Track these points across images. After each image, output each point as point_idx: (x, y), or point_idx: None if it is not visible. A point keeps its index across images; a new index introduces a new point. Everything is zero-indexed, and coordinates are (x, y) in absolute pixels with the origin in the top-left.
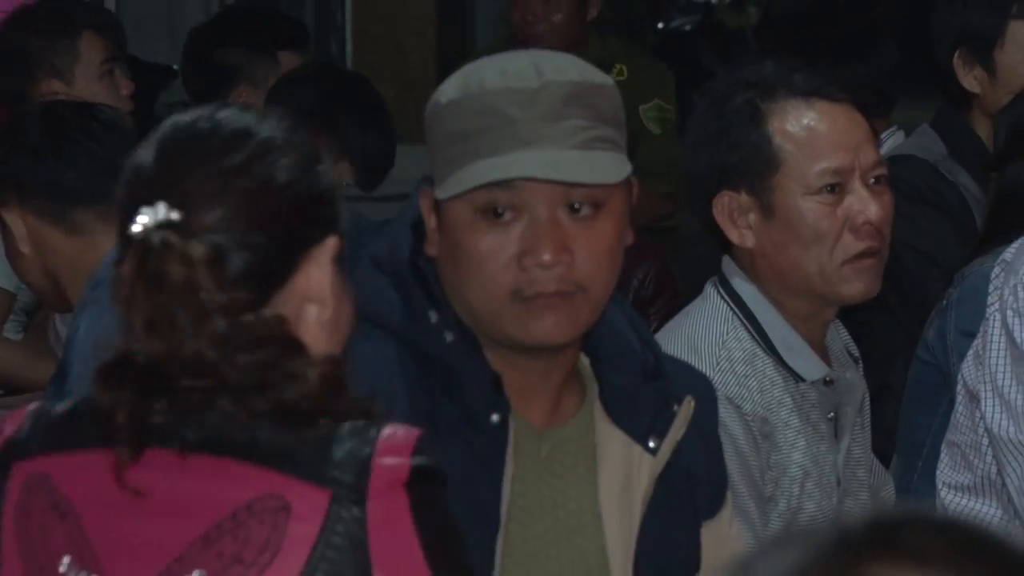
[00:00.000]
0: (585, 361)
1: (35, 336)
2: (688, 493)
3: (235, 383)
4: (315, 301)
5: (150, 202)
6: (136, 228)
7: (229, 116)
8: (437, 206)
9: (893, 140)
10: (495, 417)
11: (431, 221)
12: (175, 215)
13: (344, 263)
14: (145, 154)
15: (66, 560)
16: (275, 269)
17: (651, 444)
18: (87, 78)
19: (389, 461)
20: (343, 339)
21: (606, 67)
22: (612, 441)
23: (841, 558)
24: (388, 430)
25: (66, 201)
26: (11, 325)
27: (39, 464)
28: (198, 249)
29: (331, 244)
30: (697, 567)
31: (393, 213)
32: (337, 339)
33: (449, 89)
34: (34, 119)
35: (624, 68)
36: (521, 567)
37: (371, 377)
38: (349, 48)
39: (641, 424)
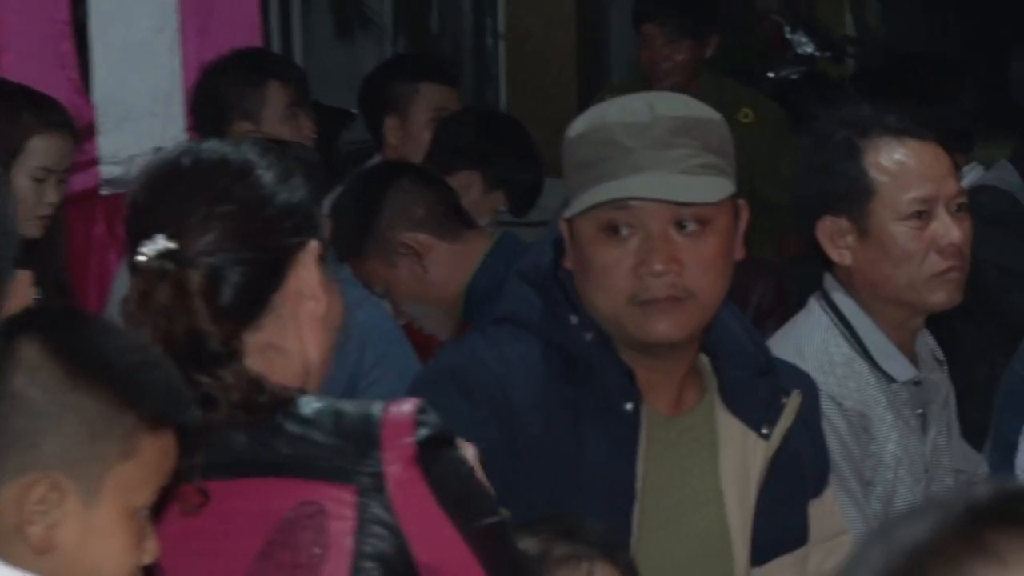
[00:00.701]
0: (705, 359)
1: None
2: (796, 474)
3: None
4: (309, 297)
5: (148, 235)
6: (139, 258)
7: (208, 147)
8: (571, 226)
9: (974, 174)
10: (629, 405)
11: (567, 240)
12: (172, 244)
13: (327, 263)
14: (139, 191)
15: None
16: (269, 276)
17: (764, 431)
18: (273, 120)
19: (396, 446)
20: (336, 330)
21: (728, 108)
22: (730, 429)
23: (968, 526)
24: (388, 415)
25: None
26: None
27: None
28: (194, 277)
29: (314, 247)
30: (805, 539)
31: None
32: (330, 330)
33: (577, 125)
34: None
35: (750, 112)
36: (654, 535)
37: (523, 371)
38: (503, 94)
39: (755, 414)
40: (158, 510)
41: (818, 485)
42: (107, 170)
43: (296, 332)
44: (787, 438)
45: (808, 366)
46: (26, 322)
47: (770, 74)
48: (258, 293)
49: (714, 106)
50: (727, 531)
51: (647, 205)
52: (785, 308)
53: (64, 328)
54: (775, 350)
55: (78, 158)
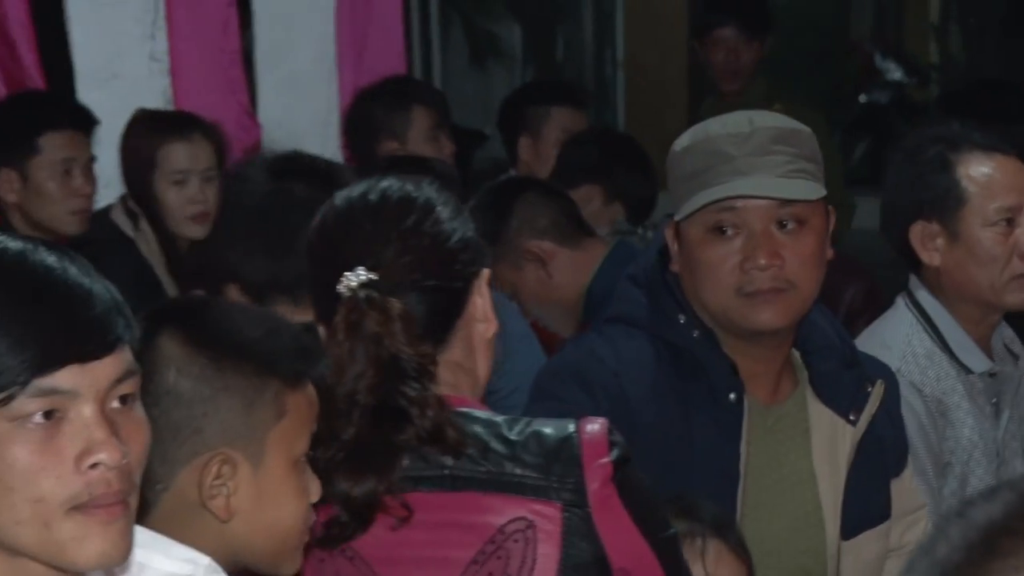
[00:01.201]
0: (796, 354)
1: None
2: (880, 456)
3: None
4: (482, 321)
5: (349, 267)
6: (343, 289)
7: (391, 186)
8: (678, 232)
9: None
10: (732, 395)
11: (674, 245)
12: (373, 275)
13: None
14: (330, 224)
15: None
16: (454, 302)
17: (851, 417)
18: (418, 140)
19: (595, 465)
20: (494, 348)
21: (770, 103)
22: (821, 416)
23: None
24: (584, 436)
25: None
26: None
27: (328, 510)
28: (395, 305)
29: (485, 275)
30: (888, 515)
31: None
32: (493, 348)
33: (682, 140)
34: (380, 168)
35: (781, 107)
36: (756, 513)
37: (636, 366)
38: (621, 116)
39: (843, 402)
40: (366, 522)
41: (898, 465)
42: None
43: (472, 352)
44: (872, 424)
45: (893, 357)
46: (162, 319)
47: (862, 97)
48: (445, 318)
49: (760, 100)
50: (820, 508)
51: (750, 205)
52: (876, 308)
53: (197, 318)
54: (865, 343)
55: None
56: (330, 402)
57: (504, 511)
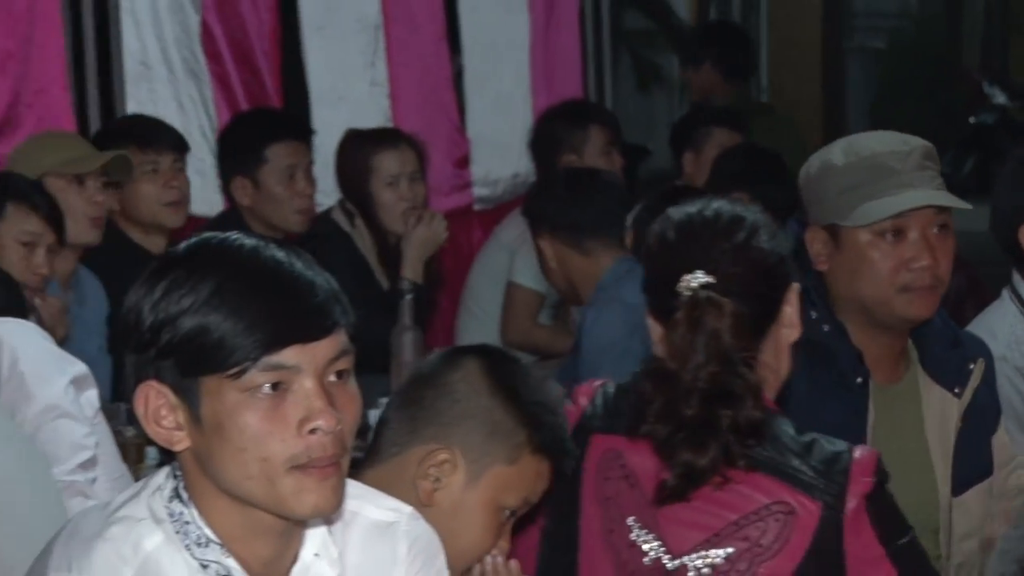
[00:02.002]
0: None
1: (560, 321)
2: (982, 421)
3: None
4: (788, 327)
5: (689, 270)
6: (683, 288)
7: (723, 207)
8: (834, 234)
9: None
10: (859, 379)
11: (816, 246)
12: (711, 279)
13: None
14: (669, 235)
15: (632, 519)
16: (770, 310)
17: (956, 391)
18: (593, 154)
19: (860, 481)
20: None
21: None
22: (931, 391)
23: None
24: (856, 455)
25: (581, 233)
26: (544, 314)
27: (612, 442)
28: (729, 304)
29: (795, 287)
30: (991, 471)
31: None
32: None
33: (837, 158)
34: (560, 179)
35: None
36: None
37: None
38: None
39: (950, 378)
40: (698, 486)
41: (995, 424)
42: (479, 191)
43: (778, 353)
44: (974, 396)
45: (999, 344)
46: (474, 351)
47: (971, 119)
48: (764, 322)
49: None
50: (932, 471)
51: (919, 213)
52: (980, 295)
53: (500, 360)
54: (975, 329)
55: (456, 181)
56: (673, 386)
57: (774, 493)
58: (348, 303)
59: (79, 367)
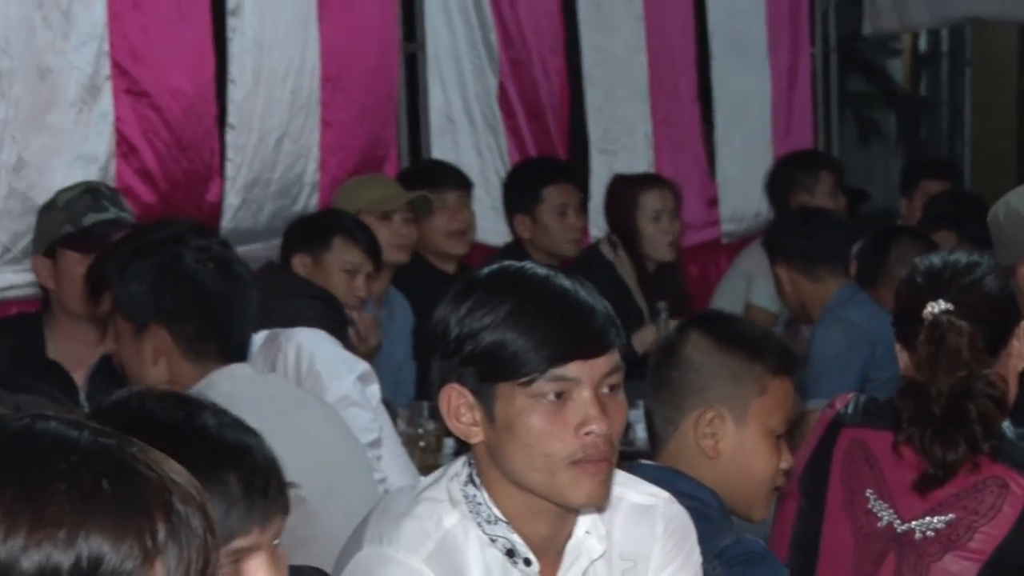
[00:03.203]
0: None
1: (790, 337)
2: None
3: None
4: (1016, 357)
5: (934, 298)
6: (927, 315)
7: (961, 255)
8: None
9: None
10: None
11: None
12: (950, 306)
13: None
14: (917, 278)
15: (869, 491)
16: (1001, 337)
17: None
18: (823, 195)
19: None
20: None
21: None
22: None
23: None
24: None
25: (814, 263)
26: (777, 330)
27: (858, 433)
28: (966, 326)
29: (1023, 325)
30: None
31: None
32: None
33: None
34: (796, 216)
35: None
36: None
37: None
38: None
39: None
40: (953, 476)
41: None
42: (726, 227)
43: (1007, 380)
44: None
45: None
46: (688, 324)
47: None
48: (995, 347)
49: None
50: None
51: None
52: None
53: (712, 320)
54: None
55: (707, 219)
56: (923, 394)
57: (991, 470)
58: (620, 326)
59: (363, 366)
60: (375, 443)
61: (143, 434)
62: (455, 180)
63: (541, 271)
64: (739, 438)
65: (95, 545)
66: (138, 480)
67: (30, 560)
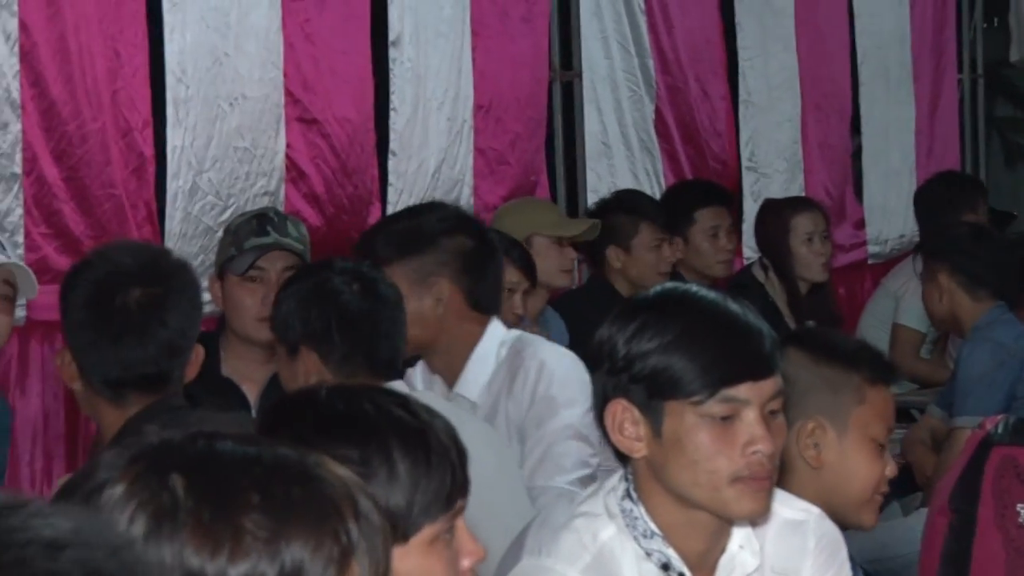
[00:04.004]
0: None
1: (938, 356)
2: None
3: None
4: None
5: None
6: None
7: None
8: None
9: None
10: None
11: None
12: None
13: None
14: None
15: (1020, 506)
16: None
17: None
18: (972, 215)
19: None
20: None
21: None
22: None
23: None
24: None
25: (978, 283)
26: (924, 349)
27: (1010, 451)
28: None
29: None
30: None
31: None
32: None
33: None
34: (967, 232)
35: None
36: None
37: None
38: None
39: None
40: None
41: None
42: (872, 248)
43: None
44: None
45: None
46: (788, 337)
47: None
48: None
49: None
50: None
51: None
52: None
53: (809, 336)
54: None
55: (854, 241)
56: None
57: None
58: (781, 351)
59: None
60: (586, 479)
61: (333, 425)
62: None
63: (710, 294)
64: (841, 447)
65: (296, 552)
66: (325, 485)
67: (238, 572)
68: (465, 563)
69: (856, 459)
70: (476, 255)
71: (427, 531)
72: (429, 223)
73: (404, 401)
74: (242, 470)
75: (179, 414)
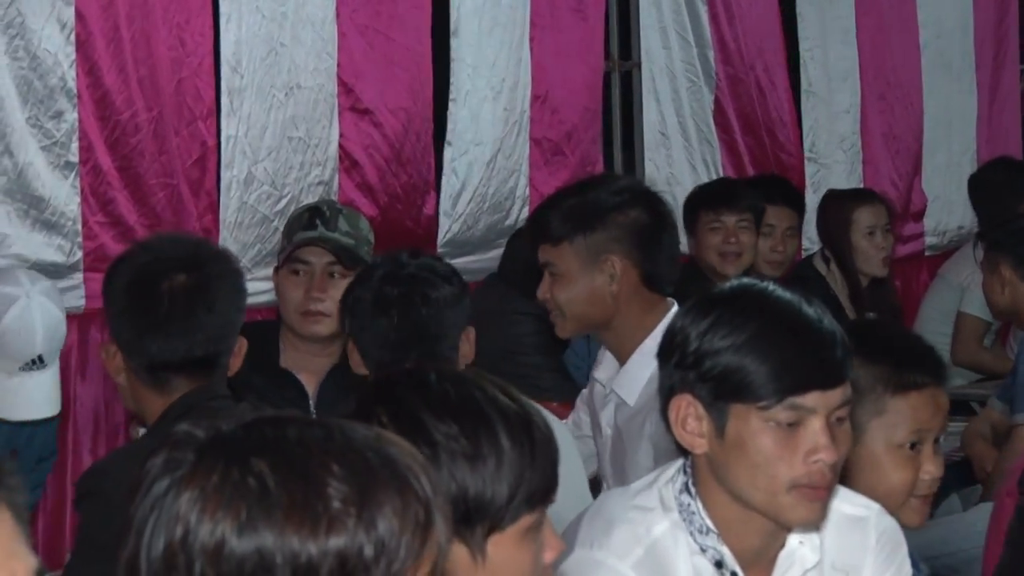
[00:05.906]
0: None
1: (999, 347)
2: None
3: None
4: None
5: None
6: None
7: None
8: None
9: None
10: None
11: None
12: None
13: None
14: None
15: None
16: None
17: None
18: None
19: None
20: None
21: None
22: None
23: None
24: None
25: None
26: (988, 339)
27: None
28: None
29: None
30: None
31: None
32: None
33: None
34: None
35: None
36: None
37: None
38: None
39: None
40: None
41: None
42: (929, 240)
43: None
44: None
45: None
46: None
47: None
48: None
49: None
50: None
51: None
52: None
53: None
54: None
55: (913, 232)
56: None
57: None
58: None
59: None
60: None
61: (444, 408)
62: (744, 202)
63: (786, 295)
64: (856, 455)
65: (386, 520)
66: (395, 450)
67: (337, 546)
68: (548, 557)
69: (883, 462)
70: (651, 230)
71: (524, 521)
72: (601, 198)
73: (507, 390)
74: (316, 445)
75: (220, 405)
